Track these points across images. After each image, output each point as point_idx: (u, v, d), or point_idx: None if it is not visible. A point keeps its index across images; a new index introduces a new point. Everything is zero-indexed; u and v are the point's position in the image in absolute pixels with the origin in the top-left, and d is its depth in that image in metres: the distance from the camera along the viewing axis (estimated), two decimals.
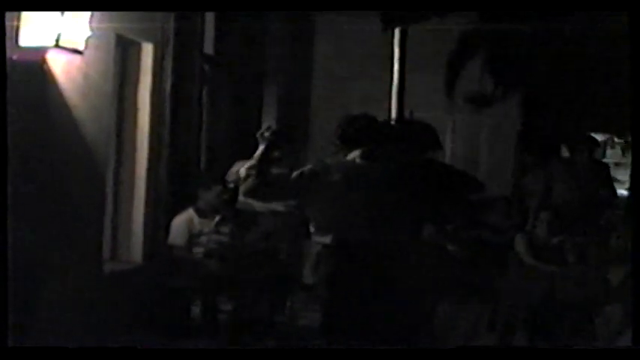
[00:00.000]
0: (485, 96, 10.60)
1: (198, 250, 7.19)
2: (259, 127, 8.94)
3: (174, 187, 7.46)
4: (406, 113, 6.35)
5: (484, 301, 7.88)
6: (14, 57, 5.06)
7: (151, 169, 7.19)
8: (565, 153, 10.17)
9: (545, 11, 8.38)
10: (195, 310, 7.29)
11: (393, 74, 5.69)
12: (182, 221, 7.22)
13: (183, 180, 7.59)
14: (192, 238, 7.19)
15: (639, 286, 3.54)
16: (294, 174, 4.51)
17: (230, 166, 7.66)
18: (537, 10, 4.09)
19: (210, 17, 8.28)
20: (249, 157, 7.46)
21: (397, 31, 5.58)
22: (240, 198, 6.75)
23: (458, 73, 10.42)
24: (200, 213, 7.24)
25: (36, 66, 5.56)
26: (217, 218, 7.25)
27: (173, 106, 7.37)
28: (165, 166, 7.37)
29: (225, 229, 7.27)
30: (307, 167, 4.51)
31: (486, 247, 8.91)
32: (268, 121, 8.82)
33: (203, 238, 7.21)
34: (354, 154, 4.46)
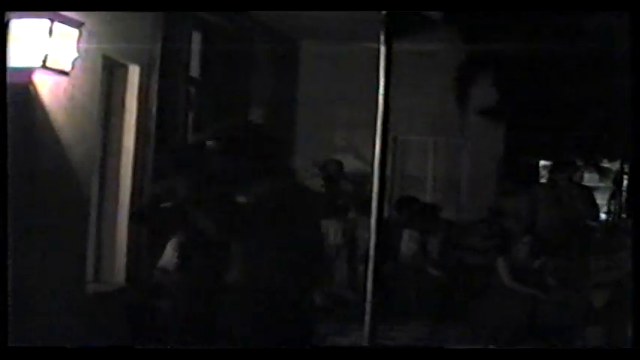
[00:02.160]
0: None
1: None
2: None
3: None
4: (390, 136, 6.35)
5: (465, 323, 7.92)
6: None
7: (135, 192, 7.18)
8: (544, 177, 10.27)
9: (537, 18, 8.43)
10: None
11: (378, 97, 5.60)
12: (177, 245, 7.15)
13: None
14: None
15: (639, 286, 3.56)
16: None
17: None
18: (537, 9, 4.08)
19: (196, 40, 8.32)
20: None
21: (382, 54, 5.55)
22: None
23: (441, 95, 10.52)
24: None
25: (22, 87, 5.56)
26: None
27: (158, 128, 7.38)
28: (149, 188, 7.35)
29: None
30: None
31: (467, 269, 8.97)
32: None
33: None
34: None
